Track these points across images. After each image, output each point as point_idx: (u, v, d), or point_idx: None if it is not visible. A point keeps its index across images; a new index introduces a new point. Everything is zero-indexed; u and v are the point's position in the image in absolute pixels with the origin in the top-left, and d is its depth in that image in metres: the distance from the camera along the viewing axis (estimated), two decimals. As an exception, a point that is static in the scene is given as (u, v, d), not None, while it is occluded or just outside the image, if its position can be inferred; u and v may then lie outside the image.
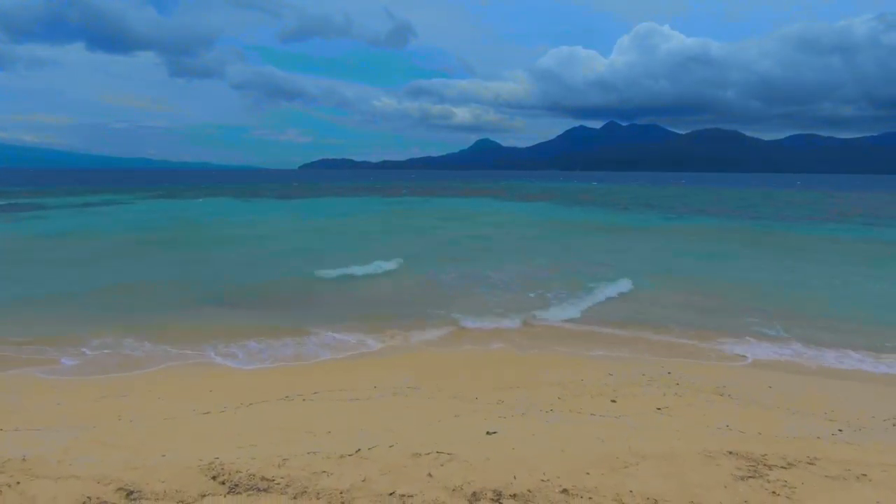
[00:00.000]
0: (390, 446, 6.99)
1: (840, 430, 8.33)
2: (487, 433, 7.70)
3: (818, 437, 7.89)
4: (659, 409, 8.97)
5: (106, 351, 12.24)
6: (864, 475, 6.15)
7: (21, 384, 10.20)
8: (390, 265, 23.57)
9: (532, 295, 18.23)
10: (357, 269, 22.67)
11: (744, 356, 12.68)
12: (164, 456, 6.70)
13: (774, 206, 69.51)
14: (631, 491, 5.68)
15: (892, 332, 14.44)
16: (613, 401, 9.36)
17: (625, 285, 19.77)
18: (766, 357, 12.62)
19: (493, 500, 5.51)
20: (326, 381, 10.32)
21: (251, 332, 13.63)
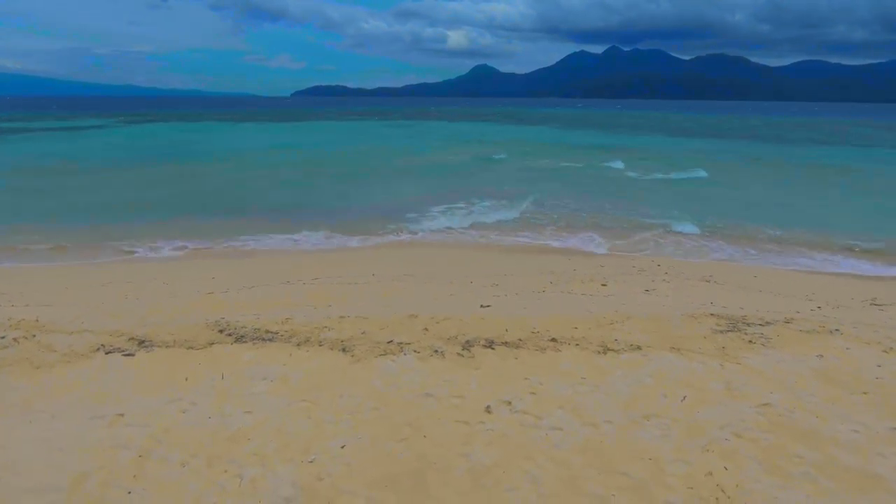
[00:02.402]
0: (389, 312, 7.31)
1: (819, 308, 8.68)
2: (481, 306, 8.01)
3: (797, 312, 8.25)
4: (647, 290, 9.30)
5: (108, 243, 12.45)
6: (837, 330, 6.50)
7: (29, 272, 10.45)
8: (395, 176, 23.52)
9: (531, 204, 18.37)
10: (355, 182, 22.66)
11: (727, 254, 13.02)
12: (171, 318, 7.00)
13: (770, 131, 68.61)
14: (616, 339, 6.02)
15: (873, 237, 14.65)
16: (604, 285, 9.67)
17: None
18: (753, 255, 12.93)
19: (485, 346, 5.85)
20: (324, 269, 10.61)
21: (247, 231, 13.84)
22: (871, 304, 9.09)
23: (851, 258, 13.02)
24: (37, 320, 6.78)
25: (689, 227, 15.05)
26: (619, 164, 30.15)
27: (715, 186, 23.49)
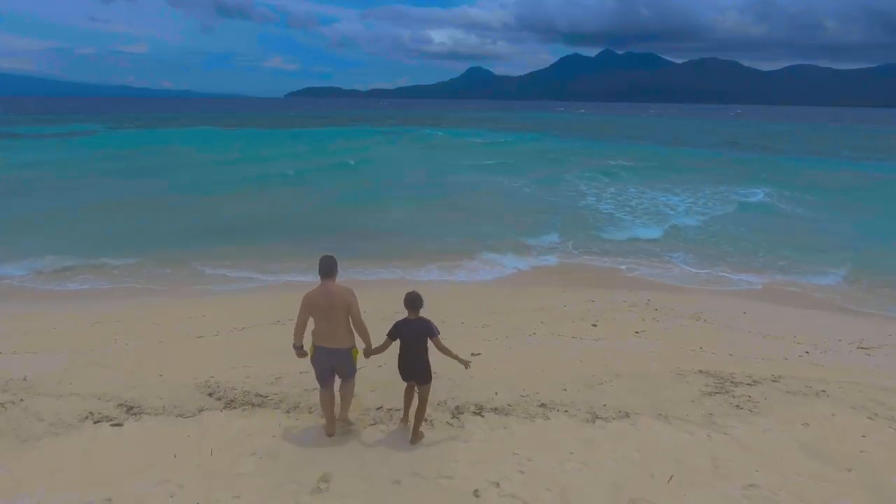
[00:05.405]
0: (378, 366, 7.30)
1: (807, 352, 8.76)
2: (472, 354, 8.02)
3: (785, 358, 8.33)
4: (637, 332, 9.34)
5: (98, 279, 12.37)
6: (823, 391, 6.57)
7: (15, 312, 10.37)
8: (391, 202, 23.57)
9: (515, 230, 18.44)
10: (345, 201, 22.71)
11: (722, 282, 13.13)
12: (160, 375, 6.97)
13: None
14: (604, 405, 6.06)
15: (866, 266, 14.76)
16: (594, 325, 9.72)
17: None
18: (744, 287, 13.04)
19: (475, 412, 5.87)
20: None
21: (239, 260, 13.80)
22: (858, 348, 9.19)
23: (837, 288, 13.17)
24: (25, 379, 6.74)
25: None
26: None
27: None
